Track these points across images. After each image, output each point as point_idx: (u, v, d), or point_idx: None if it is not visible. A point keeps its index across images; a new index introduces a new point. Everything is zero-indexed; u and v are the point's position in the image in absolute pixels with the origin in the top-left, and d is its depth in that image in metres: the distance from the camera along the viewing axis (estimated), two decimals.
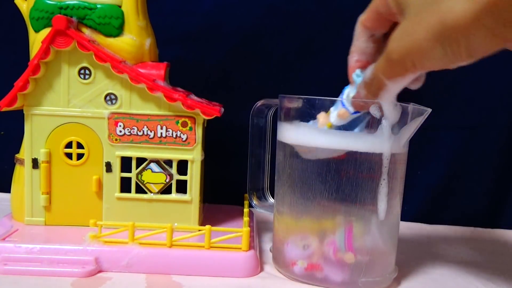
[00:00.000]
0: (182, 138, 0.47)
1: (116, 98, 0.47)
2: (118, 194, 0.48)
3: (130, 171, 0.48)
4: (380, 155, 0.40)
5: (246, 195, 0.53)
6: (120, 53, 0.47)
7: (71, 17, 0.46)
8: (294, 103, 0.43)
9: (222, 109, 0.48)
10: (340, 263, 0.41)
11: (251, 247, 0.44)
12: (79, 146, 0.48)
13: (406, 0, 0.34)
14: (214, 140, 0.55)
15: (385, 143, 0.40)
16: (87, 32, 0.47)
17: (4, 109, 0.46)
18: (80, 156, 0.48)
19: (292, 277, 0.43)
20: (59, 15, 0.45)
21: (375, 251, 0.41)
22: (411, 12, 0.34)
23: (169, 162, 0.48)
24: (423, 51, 0.33)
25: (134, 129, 0.47)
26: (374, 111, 0.39)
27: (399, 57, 0.35)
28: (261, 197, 0.50)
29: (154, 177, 0.48)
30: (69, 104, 0.47)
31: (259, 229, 0.56)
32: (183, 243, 0.44)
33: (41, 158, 0.47)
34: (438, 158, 0.65)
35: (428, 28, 0.32)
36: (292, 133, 0.43)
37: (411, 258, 0.50)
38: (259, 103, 0.47)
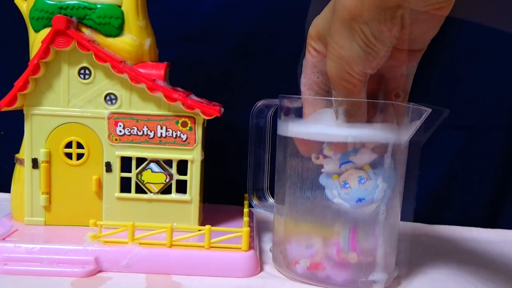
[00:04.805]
0: (182, 138, 0.47)
1: (116, 98, 0.47)
2: (118, 194, 0.48)
3: (130, 171, 0.48)
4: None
5: (246, 195, 0.53)
6: (120, 53, 0.47)
7: (71, 17, 0.46)
8: (294, 103, 0.43)
9: (222, 109, 0.48)
10: (342, 263, 0.41)
11: (251, 247, 0.44)
12: (79, 146, 0.48)
13: (325, 30, 0.38)
14: (214, 140, 0.55)
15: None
16: (87, 32, 0.47)
17: (4, 109, 0.46)
18: (80, 156, 0.48)
19: (292, 277, 0.43)
20: (59, 15, 0.45)
21: (377, 252, 0.41)
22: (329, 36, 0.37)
23: (169, 162, 0.48)
24: (347, 56, 0.36)
25: (134, 129, 0.47)
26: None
27: (336, 73, 0.37)
28: (261, 197, 0.50)
29: (154, 177, 0.48)
30: (69, 104, 0.47)
31: (259, 229, 0.56)
32: (183, 243, 0.44)
33: (41, 158, 0.47)
34: (438, 158, 0.65)
35: (337, 31, 0.36)
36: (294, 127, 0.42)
37: (411, 258, 0.50)
38: (259, 103, 0.47)
